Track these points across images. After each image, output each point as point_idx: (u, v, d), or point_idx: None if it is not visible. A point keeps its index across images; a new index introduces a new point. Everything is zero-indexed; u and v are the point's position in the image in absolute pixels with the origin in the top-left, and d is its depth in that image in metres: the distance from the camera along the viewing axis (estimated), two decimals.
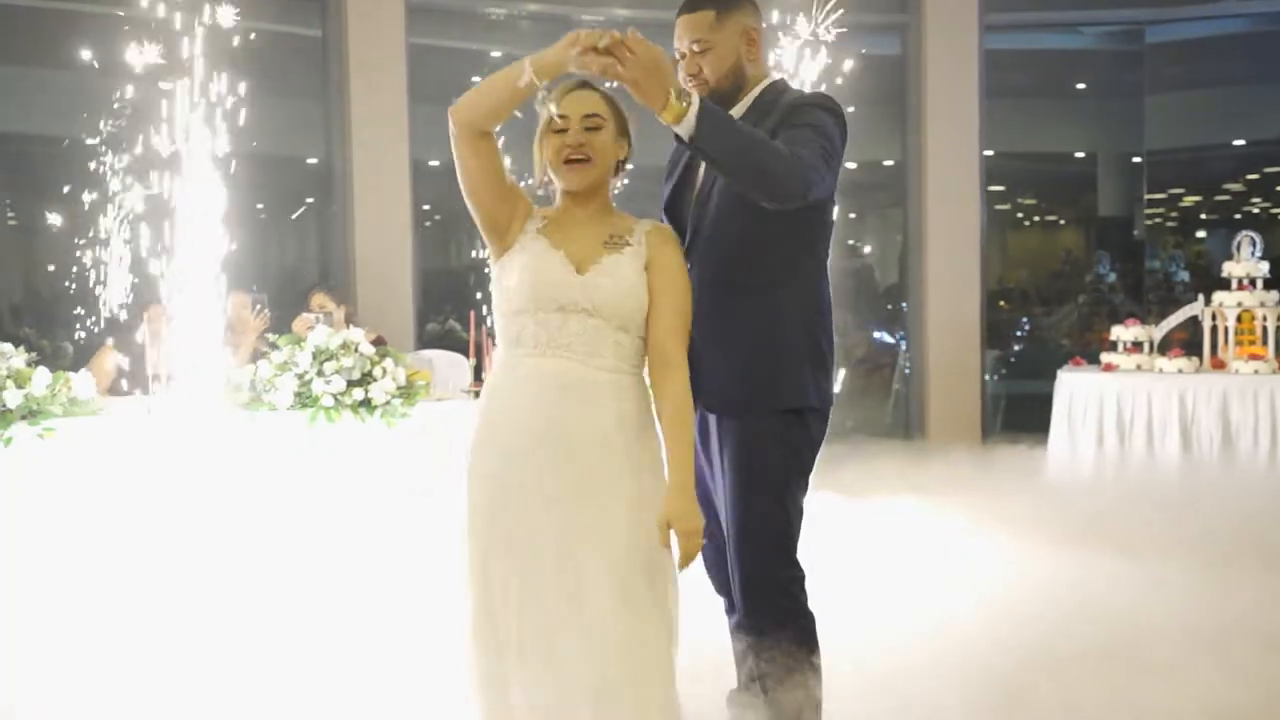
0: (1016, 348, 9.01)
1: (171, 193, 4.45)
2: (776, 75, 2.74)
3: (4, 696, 3.39)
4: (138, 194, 4.50)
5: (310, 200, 7.51)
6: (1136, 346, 6.40)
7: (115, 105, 4.45)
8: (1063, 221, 10.38)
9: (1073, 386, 6.28)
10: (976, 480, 5.94)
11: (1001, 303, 9.69)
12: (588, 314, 2.31)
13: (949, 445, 6.98)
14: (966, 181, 7.89)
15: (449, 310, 7.91)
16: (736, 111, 2.60)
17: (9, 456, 3.94)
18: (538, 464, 2.31)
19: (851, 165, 8.42)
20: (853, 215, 8.98)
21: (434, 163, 8.35)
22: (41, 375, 4.17)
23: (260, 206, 7.42)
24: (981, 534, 5.05)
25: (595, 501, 2.30)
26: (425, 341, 7.13)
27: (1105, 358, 6.42)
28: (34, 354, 4.33)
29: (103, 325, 4.65)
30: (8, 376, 4.07)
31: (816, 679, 2.59)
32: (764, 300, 2.55)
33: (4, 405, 4.00)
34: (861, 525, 5.23)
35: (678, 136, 2.29)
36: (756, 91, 2.63)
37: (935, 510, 5.49)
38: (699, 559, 2.44)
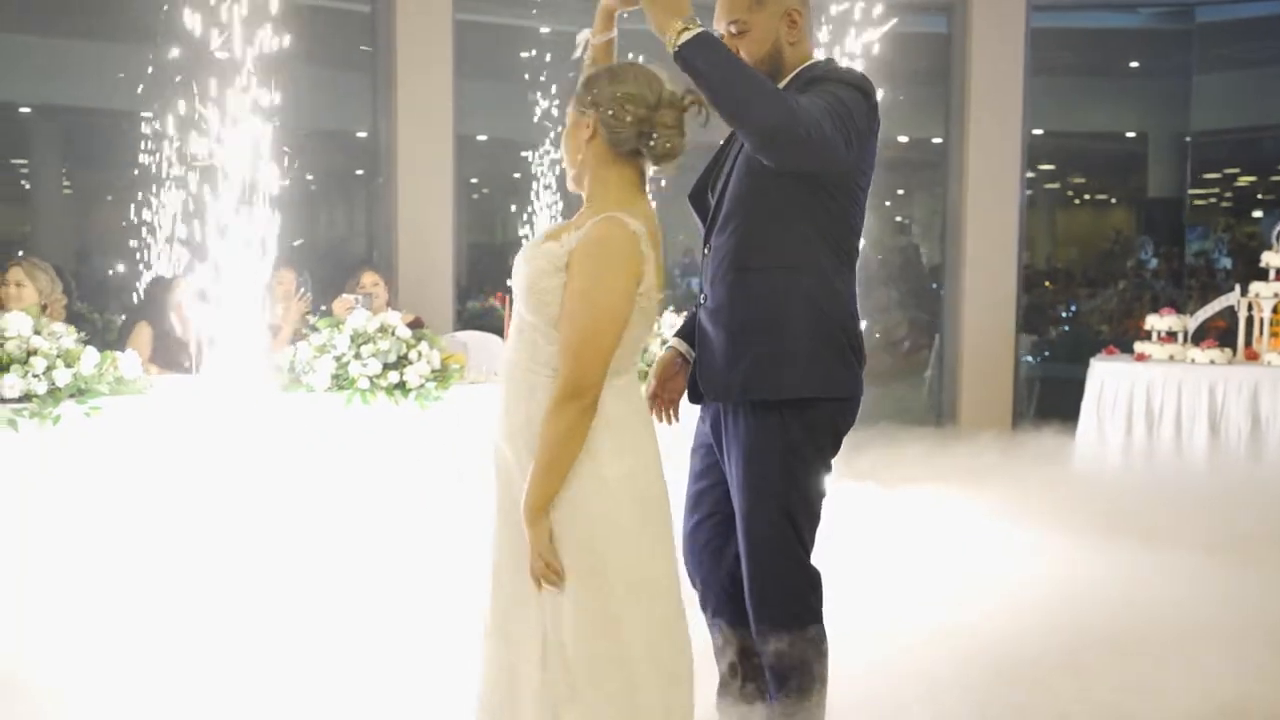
0: (1057, 331, 8.96)
1: (219, 168, 4.54)
2: (821, 56, 2.63)
3: (54, 671, 3.57)
4: (187, 169, 4.60)
5: (359, 173, 7.65)
6: (1171, 336, 6.37)
7: (169, 79, 4.53)
8: (1113, 200, 10.28)
9: (1103, 375, 6.27)
10: (997, 470, 5.97)
11: (1047, 283, 9.64)
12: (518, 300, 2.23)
13: (978, 431, 6.99)
14: (1008, 163, 7.82)
15: (489, 289, 8.05)
16: None
17: (57, 434, 4.13)
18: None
19: (903, 139, 8.44)
20: (900, 192, 8.95)
21: (481, 137, 8.48)
22: (90, 355, 4.35)
23: (310, 178, 7.58)
24: (996, 526, 5.09)
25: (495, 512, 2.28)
26: (465, 320, 7.28)
27: (1139, 347, 6.40)
28: (82, 333, 4.51)
29: (141, 299, 4.75)
30: (57, 356, 4.25)
31: (822, 689, 2.56)
32: (772, 282, 2.48)
33: (53, 384, 4.20)
34: (877, 515, 5.28)
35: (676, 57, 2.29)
36: (797, 74, 2.53)
37: (947, 501, 5.53)
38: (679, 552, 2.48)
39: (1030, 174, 9.84)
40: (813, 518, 2.56)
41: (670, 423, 2.72)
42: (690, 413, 2.75)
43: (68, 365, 4.26)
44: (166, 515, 4.12)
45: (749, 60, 2.47)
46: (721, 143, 2.70)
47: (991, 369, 7.79)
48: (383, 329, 4.64)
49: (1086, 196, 10.35)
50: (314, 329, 4.77)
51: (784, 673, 2.55)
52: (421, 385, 4.59)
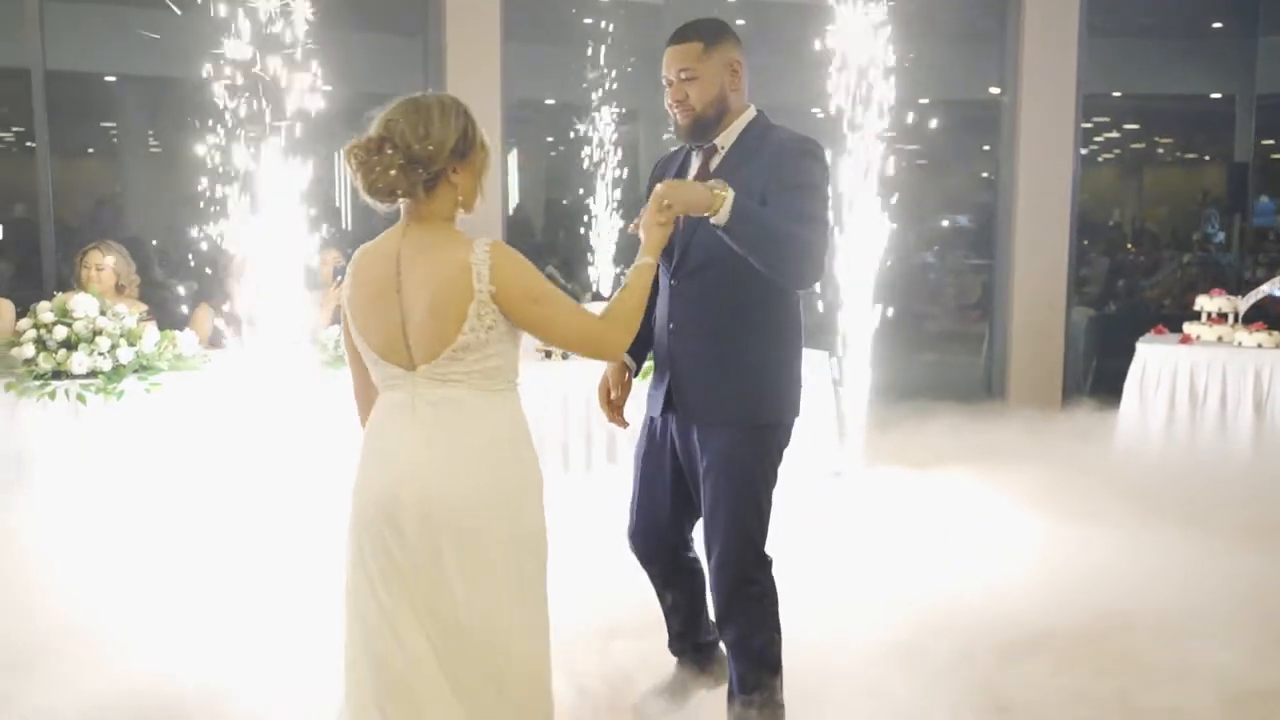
0: (1111, 308, 8.80)
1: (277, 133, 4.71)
2: (754, 109, 2.87)
3: (120, 628, 3.91)
4: (243, 142, 4.81)
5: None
6: (1221, 317, 6.28)
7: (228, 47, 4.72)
8: (1207, 157, 10.00)
9: (1147, 356, 6.21)
10: (1032, 452, 5.96)
11: (1129, 245, 9.46)
12: None
13: (1024, 409, 6.94)
14: (1061, 124, 7.63)
15: (540, 261, 8.23)
16: (722, 140, 2.80)
17: (121, 408, 4.50)
18: None
19: (994, 90, 8.33)
20: (986, 148, 8.69)
21: (549, 101, 8.60)
22: (151, 333, 4.72)
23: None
24: (1020, 510, 5.13)
25: None
26: None
27: (1187, 328, 6.32)
28: (144, 311, 4.84)
29: (203, 277, 4.99)
30: (121, 335, 4.62)
31: (778, 644, 2.94)
32: (749, 322, 2.77)
33: (117, 361, 4.56)
34: (907, 498, 5.36)
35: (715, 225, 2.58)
36: (742, 124, 2.81)
37: (960, 483, 5.57)
38: (627, 529, 3.02)
39: (1114, 134, 9.65)
40: (770, 515, 2.92)
41: (624, 426, 3.07)
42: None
43: (130, 344, 4.63)
44: (216, 481, 4.47)
45: (698, 103, 2.75)
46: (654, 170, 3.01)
47: (1042, 343, 7.69)
48: None
49: (1178, 155, 10.09)
50: None
51: (749, 634, 2.90)
52: None
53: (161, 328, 5.15)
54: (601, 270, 7.56)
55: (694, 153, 2.88)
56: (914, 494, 5.45)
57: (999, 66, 7.85)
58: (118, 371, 4.56)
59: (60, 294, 4.68)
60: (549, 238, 8.81)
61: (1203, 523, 4.95)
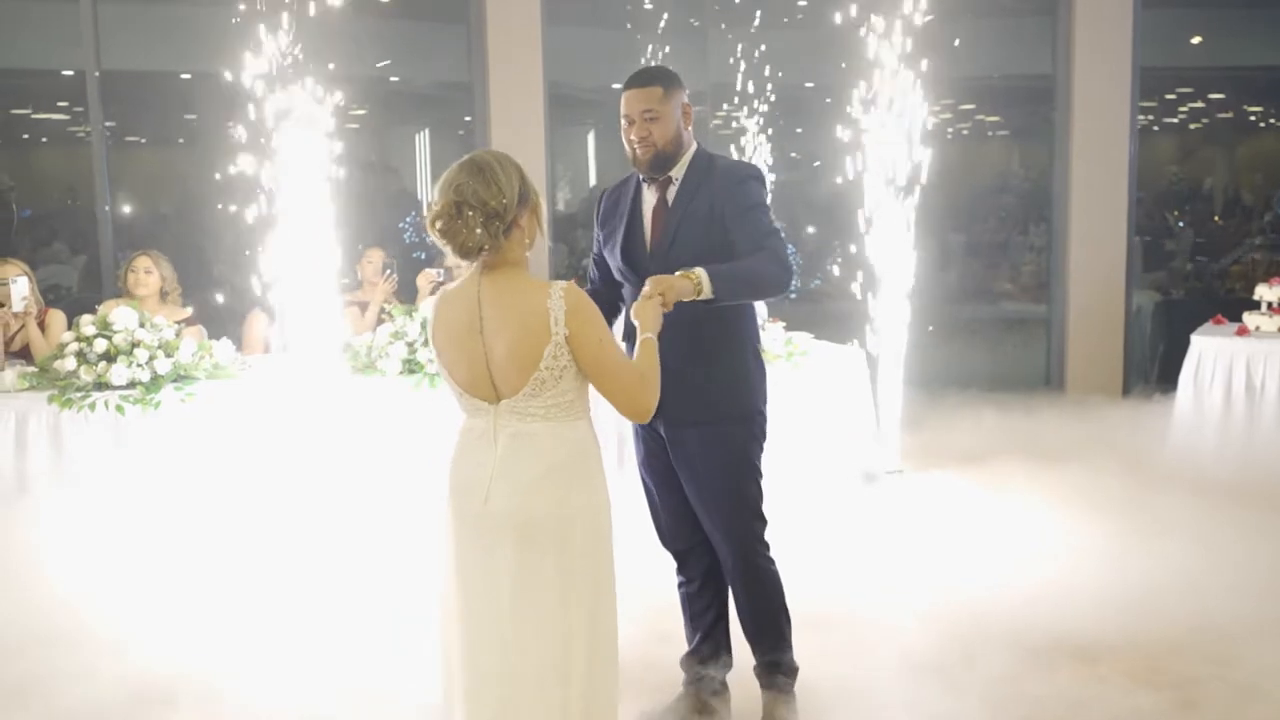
0: (1176, 293, 8.50)
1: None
2: (696, 143, 3.18)
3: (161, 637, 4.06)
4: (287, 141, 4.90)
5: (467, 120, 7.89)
6: None
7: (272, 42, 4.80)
8: None
9: (1202, 348, 6.00)
10: (1082, 446, 5.82)
11: (1216, 218, 9.15)
12: None
13: (1083, 400, 6.75)
14: (1116, 99, 7.35)
15: (585, 248, 8.23)
16: (676, 172, 3.11)
17: (158, 417, 4.64)
18: None
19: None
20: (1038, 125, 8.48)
21: (591, 87, 8.56)
22: (188, 344, 4.84)
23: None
24: (1065, 509, 5.02)
25: None
26: (555, 275, 7.48)
27: (1246, 318, 6.10)
28: (186, 319, 4.96)
29: (255, 280, 5.10)
30: (158, 346, 4.75)
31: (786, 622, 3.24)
32: (723, 331, 3.09)
33: (155, 372, 4.70)
34: (950, 497, 5.29)
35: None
36: (689, 156, 3.15)
37: (1016, 480, 5.45)
38: (653, 529, 3.30)
39: (1199, 104, 9.28)
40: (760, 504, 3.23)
41: None
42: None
43: (168, 355, 4.76)
44: (250, 486, 4.58)
45: (660, 140, 3.06)
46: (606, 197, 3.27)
47: (1101, 329, 7.44)
48: None
49: (1265, 125, 9.69)
50: (389, 315, 5.11)
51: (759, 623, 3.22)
52: None
53: (214, 333, 5.31)
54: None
55: (645, 185, 3.16)
56: (957, 493, 5.38)
57: (1051, 40, 7.58)
58: (155, 382, 4.70)
59: (101, 305, 4.82)
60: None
61: (1260, 525, 4.81)
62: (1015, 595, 4.11)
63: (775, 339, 5.43)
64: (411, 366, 4.96)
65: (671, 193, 3.12)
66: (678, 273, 2.83)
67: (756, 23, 7.10)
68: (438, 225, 2.45)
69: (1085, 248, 7.49)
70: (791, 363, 5.39)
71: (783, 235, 3.08)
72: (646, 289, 2.76)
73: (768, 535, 3.20)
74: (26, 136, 7.02)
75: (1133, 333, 7.70)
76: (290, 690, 3.46)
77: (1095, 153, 7.45)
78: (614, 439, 4.77)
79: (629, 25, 7.70)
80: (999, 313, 8.58)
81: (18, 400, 4.62)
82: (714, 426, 3.09)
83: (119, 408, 4.60)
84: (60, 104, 7.81)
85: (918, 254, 5.98)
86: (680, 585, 3.39)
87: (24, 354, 5.16)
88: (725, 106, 7.53)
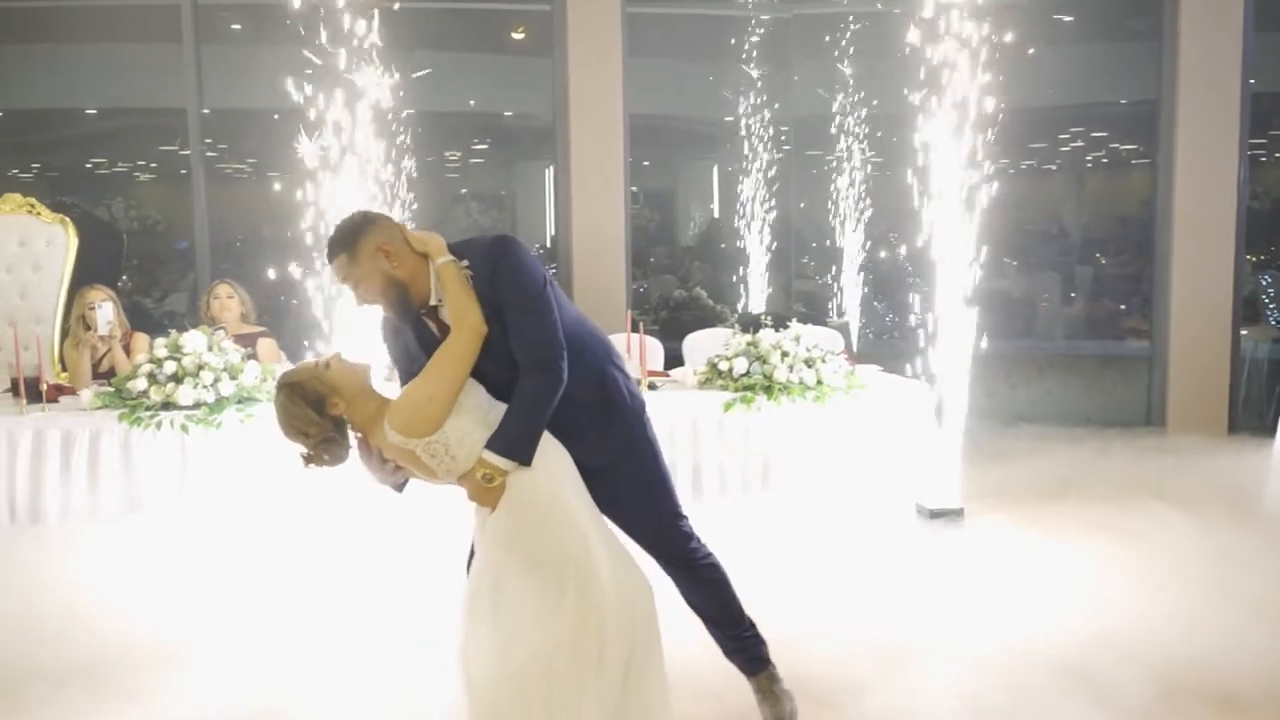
0: None
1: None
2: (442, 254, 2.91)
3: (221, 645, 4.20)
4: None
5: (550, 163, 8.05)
6: None
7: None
8: None
9: None
10: (1172, 488, 5.53)
11: None
12: None
13: (1185, 440, 6.39)
14: (1225, 126, 7.01)
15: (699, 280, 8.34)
16: (433, 297, 2.84)
17: (220, 437, 4.83)
18: None
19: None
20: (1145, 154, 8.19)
21: (713, 120, 8.62)
22: (252, 368, 5.03)
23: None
24: (1136, 552, 4.75)
25: None
26: (636, 306, 7.52)
27: None
28: (246, 351, 5.17)
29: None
30: (223, 369, 4.95)
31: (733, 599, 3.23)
32: (574, 391, 2.87)
33: (219, 394, 4.90)
34: (1019, 539, 5.06)
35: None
36: (433, 273, 2.84)
37: (1091, 519, 5.18)
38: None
39: None
40: (673, 492, 3.23)
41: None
42: None
43: (232, 377, 4.95)
44: (303, 507, 4.73)
45: (376, 298, 2.84)
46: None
47: (1206, 366, 7.05)
48: None
49: None
50: None
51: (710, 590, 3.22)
52: None
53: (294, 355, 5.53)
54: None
55: (423, 315, 2.90)
56: (1027, 534, 5.12)
57: (1156, 65, 7.29)
58: (220, 403, 4.89)
59: (175, 332, 5.07)
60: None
61: None
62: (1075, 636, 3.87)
63: (835, 372, 5.33)
64: None
65: (445, 313, 2.85)
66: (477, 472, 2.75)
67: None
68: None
69: (1189, 280, 7.14)
70: (851, 395, 5.29)
71: (551, 312, 2.84)
72: (472, 504, 2.81)
73: (691, 527, 3.18)
74: (184, 172, 7.42)
75: (1246, 371, 7.29)
76: (352, 713, 3.49)
77: (1201, 180, 7.11)
78: None
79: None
80: (1102, 347, 8.24)
81: (93, 418, 4.87)
82: (609, 470, 3.00)
83: (184, 426, 4.81)
84: (206, 140, 8.24)
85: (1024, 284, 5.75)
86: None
87: (110, 375, 5.45)
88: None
